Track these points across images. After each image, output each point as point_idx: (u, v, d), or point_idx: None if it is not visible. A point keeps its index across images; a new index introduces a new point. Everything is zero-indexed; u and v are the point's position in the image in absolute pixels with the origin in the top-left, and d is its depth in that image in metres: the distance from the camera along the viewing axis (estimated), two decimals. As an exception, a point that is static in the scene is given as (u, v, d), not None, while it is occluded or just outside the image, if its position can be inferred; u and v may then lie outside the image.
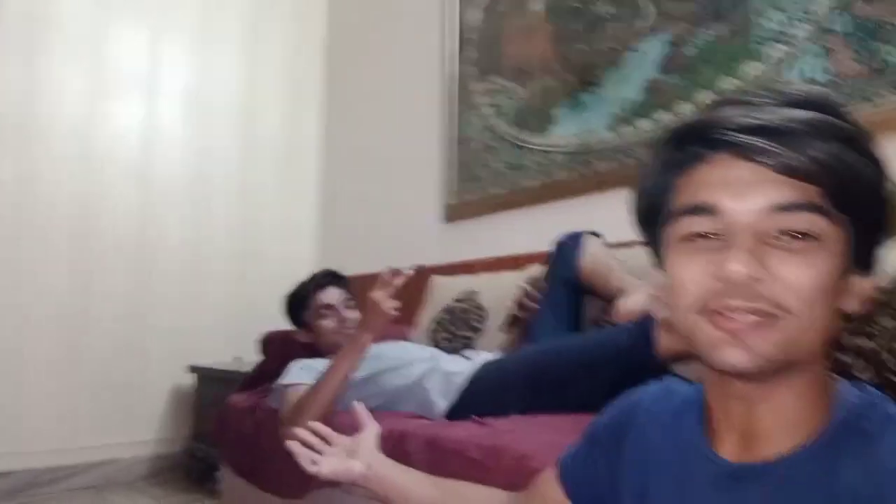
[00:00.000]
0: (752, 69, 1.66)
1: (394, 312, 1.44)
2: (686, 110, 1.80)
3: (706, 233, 0.52)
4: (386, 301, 1.42)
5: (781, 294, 0.49)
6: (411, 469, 0.90)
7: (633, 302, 1.35)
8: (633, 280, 1.43)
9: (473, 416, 1.34)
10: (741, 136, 0.50)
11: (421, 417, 1.46)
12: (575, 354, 1.36)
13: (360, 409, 0.98)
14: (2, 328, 2.32)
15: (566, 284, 1.60)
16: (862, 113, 1.43)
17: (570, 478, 0.71)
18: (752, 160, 0.50)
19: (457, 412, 1.45)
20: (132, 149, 2.65)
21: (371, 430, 0.93)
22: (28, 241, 2.38)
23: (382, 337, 1.55)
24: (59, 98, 2.49)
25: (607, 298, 1.51)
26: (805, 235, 0.49)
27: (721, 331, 0.51)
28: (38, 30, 2.45)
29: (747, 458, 0.55)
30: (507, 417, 1.32)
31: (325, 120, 3.26)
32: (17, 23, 2.40)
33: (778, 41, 1.62)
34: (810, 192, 0.49)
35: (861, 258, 0.53)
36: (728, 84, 1.71)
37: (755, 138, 0.50)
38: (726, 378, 0.54)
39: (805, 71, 1.57)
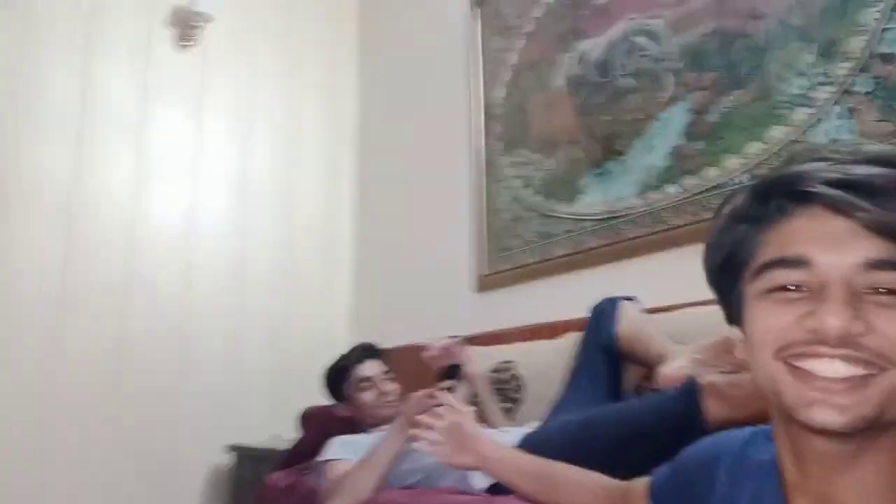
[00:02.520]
0: (778, 133, 1.69)
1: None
2: (713, 175, 1.82)
3: (795, 285, 0.52)
4: (429, 401, 1.47)
5: (882, 347, 0.48)
6: (516, 454, 1.10)
7: (676, 368, 1.33)
8: (673, 345, 1.41)
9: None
10: (832, 190, 0.50)
11: (462, 493, 1.44)
12: (620, 424, 1.34)
13: (445, 397, 1.24)
14: (36, 404, 2.34)
15: (604, 351, 1.58)
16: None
17: (658, 497, 0.75)
18: (844, 214, 0.50)
19: (499, 486, 1.43)
20: (175, 230, 2.75)
21: (468, 417, 1.16)
22: (69, 320, 2.44)
23: None
24: (105, 183, 2.61)
25: (647, 365, 1.49)
26: None
27: (813, 390, 0.49)
28: (86, 117, 2.59)
29: None
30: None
31: (359, 196, 3.35)
32: (66, 110, 2.54)
33: (801, 105, 1.65)
34: None
35: None
36: (753, 148, 1.73)
37: (846, 193, 0.50)
38: (808, 438, 0.53)
39: (831, 132, 1.59)
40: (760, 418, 1.16)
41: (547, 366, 1.83)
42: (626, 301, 1.59)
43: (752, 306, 0.55)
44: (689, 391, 1.25)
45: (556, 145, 2.33)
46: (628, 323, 1.53)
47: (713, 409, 1.20)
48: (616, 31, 2.17)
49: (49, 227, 2.46)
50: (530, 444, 1.48)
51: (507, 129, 2.55)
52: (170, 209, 2.76)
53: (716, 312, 0.64)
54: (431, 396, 1.50)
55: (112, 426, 2.48)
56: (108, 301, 2.54)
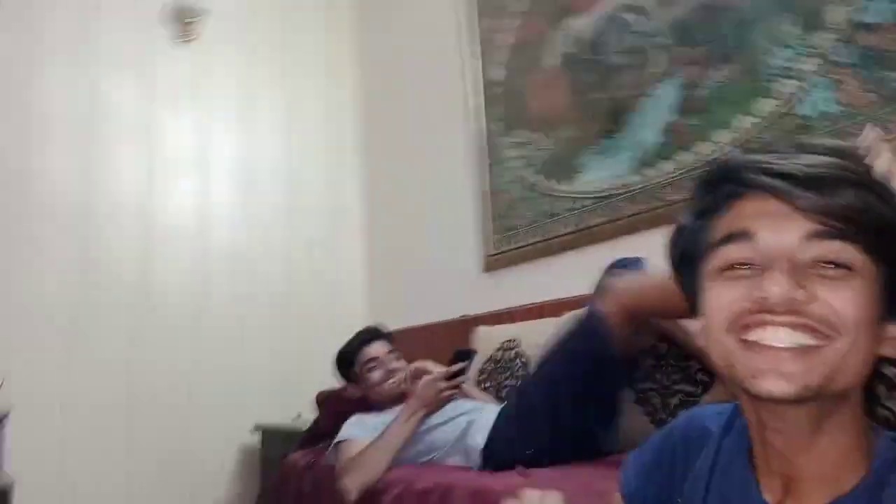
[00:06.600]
0: (765, 106, 1.71)
1: (447, 395, 1.56)
2: (706, 150, 1.84)
3: (743, 263, 0.54)
4: (441, 383, 1.56)
5: (826, 314, 0.50)
6: None
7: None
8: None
9: (516, 466, 1.40)
10: (770, 178, 0.54)
11: (465, 469, 1.52)
12: (552, 368, 1.51)
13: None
14: (65, 396, 2.45)
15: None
16: (876, 142, 1.45)
17: (630, 489, 0.74)
18: (783, 200, 0.54)
19: (495, 452, 1.52)
20: (187, 225, 2.84)
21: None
22: (89, 313, 2.54)
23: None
24: (117, 184, 2.69)
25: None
26: (840, 265, 0.51)
27: (760, 360, 0.51)
28: (95, 120, 2.67)
29: None
30: (549, 466, 1.38)
31: (365, 180, 3.41)
32: (75, 116, 2.63)
33: (787, 77, 1.66)
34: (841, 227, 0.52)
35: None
36: (744, 122, 1.75)
37: (784, 183, 0.53)
38: (768, 416, 0.55)
39: (817, 104, 1.60)
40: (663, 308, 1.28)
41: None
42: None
43: (707, 289, 0.58)
44: (591, 324, 1.38)
45: (553, 124, 2.35)
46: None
47: (619, 331, 1.34)
48: (603, 7, 2.17)
49: (65, 232, 2.56)
50: (510, 404, 1.63)
51: (507, 109, 2.58)
52: (181, 205, 2.85)
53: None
54: (445, 378, 1.58)
55: (132, 412, 2.58)
56: (125, 298, 2.64)
